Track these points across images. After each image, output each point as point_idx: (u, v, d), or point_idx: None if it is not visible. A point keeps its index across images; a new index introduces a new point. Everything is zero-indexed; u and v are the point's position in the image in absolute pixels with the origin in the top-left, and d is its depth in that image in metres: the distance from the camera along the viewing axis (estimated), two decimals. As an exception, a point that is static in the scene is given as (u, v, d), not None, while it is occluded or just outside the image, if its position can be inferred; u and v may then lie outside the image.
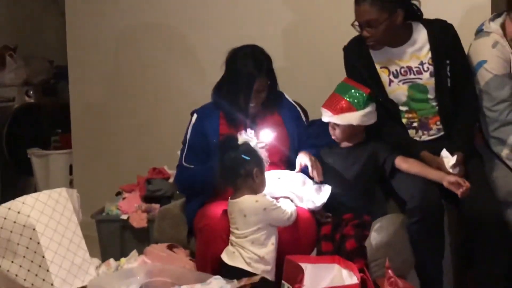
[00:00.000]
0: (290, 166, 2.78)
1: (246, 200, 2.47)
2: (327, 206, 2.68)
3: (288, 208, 2.51)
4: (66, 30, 4.37)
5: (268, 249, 2.46)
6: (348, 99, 2.70)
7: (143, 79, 4.11)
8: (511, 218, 2.68)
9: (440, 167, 2.63)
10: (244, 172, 2.49)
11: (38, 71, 5.30)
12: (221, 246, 2.51)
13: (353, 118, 2.70)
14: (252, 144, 2.51)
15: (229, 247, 2.50)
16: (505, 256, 2.60)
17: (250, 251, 2.44)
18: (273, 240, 2.48)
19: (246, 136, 2.53)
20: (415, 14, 2.81)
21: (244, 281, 2.29)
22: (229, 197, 2.55)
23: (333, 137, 2.79)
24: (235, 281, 2.28)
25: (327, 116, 2.74)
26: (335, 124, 2.74)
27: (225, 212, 2.56)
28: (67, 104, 4.51)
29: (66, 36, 4.37)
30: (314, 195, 2.66)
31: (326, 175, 2.73)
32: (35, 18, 5.49)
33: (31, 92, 5.20)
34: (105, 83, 4.27)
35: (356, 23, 2.72)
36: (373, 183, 2.77)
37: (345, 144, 2.81)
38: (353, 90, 2.72)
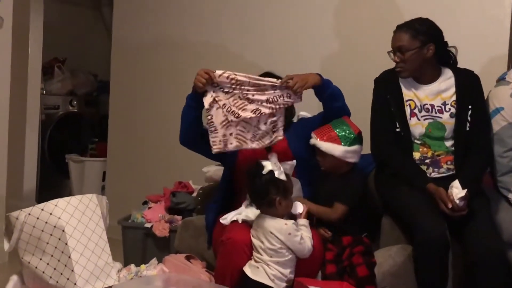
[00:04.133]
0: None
1: (277, 219, 2.45)
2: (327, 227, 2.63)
3: (309, 242, 2.46)
4: (111, 47, 4.41)
5: (292, 270, 2.44)
6: (337, 133, 2.68)
7: (178, 98, 4.10)
8: (514, 259, 2.61)
9: (443, 199, 2.57)
10: (267, 201, 2.46)
11: (83, 83, 5.38)
12: (243, 260, 2.46)
13: (337, 150, 2.66)
14: (277, 172, 2.46)
15: (252, 262, 2.46)
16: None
17: (276, 269, 2.41)
18: (295, 262, 2.45)
19: (272, 164, 2.48)
20: (448, 60, 2.82)
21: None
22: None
23: (320, 166, 2.74)
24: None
25: (313, 139, 2.70)
26: (319, 150, 2.69)
27: (246, 226, 2.52)
28: (106, 115, 4.56)
29: (111, 53, 4.42)
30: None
31: (322, 197, 2.69)
32: (83, 34, 5.57)
33: (75, 102, 5.28)
34: (143, 100, 4.30)
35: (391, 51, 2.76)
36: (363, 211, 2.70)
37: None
38: (344, 127, 2.70)
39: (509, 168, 2.69)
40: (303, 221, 2.51)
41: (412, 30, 2.70)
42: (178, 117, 4.07)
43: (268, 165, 2.46)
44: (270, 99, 2.57)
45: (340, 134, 2.67)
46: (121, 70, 4.39)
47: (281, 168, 2.47)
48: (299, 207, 2.52)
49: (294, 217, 2.53)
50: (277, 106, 2.58)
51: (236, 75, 2.57)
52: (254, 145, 2.62)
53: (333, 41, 3.57)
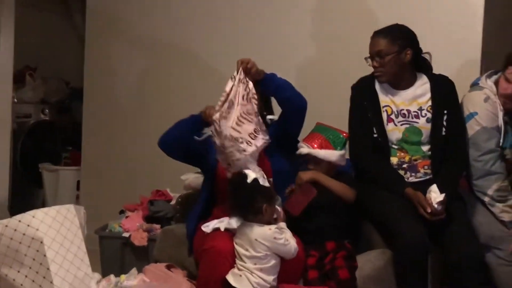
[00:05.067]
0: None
1: (260, 226, 2.45)
2: (310, 232, 2.63)
3: (293, 242, 2.47)
4: (84, 54, 4.38)
5: (275, 277, 2.44)
6: (328, 138, 2.72)
7: (153, 106, 4.10)
8: (490, 261, 2.66)
9: (422, 203, 2.61)
10: (254, 210, 2.46)
11: (55, 91, 5.32)
12: (226, 268, 2.45)
13: (333, 155, 2.70)
14: (261, 180, 2.46)
15: (235, 270, 2.45)
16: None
17: (259, 277, 2.41)
18: (278, 269, 2.45)
19: (254, 172, 2.48)
20: (424, 66, 2.87)
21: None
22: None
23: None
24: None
25: (306, 148, 2.71)
26: (314, 158, 2.70)
27: (228, 234, 2.52)
28: (79, 123, 4.51)
29: (84, 60, 4.38)
30: None
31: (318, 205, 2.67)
32: (55, 41, 5.50)
33: (47, 110, 5.21)
34: (117, 107, 4.26)
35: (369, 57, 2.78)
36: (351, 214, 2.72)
37: None
38: (331, 131, 2.74)
39: (484, 172, 2.74)
40: (283, 224, 2.52)
41: (390, 35, 2.74)
42: (155, 124, 4.07)
43: (251, 174, 2.46)
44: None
45: (331, 139, 2.69)
46: (94, 76, 4.34)
47: (264, 175, 2.47)
48: (275, 212, 2.53)
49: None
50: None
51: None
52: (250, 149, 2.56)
53: (309, 47, 3.59)
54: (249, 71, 2.56)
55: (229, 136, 2.52)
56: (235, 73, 2.57)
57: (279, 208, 2.55)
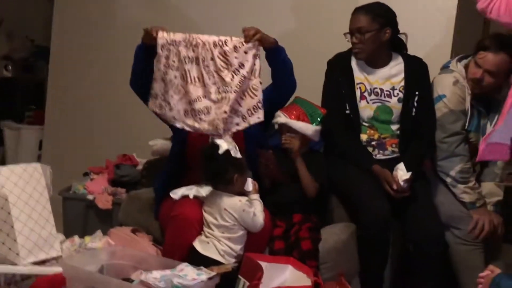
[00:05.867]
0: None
1: (231, 196, 2.46)
2: (279, 206, 2.65)
3: (261, 216, 2.48)
4: (53, 12, 4.25)
5: (242, 246, 2.46)
6: (306, 112, 2.73)
7: (120, 67, 4.00)
8: (449, 239, 2.74)
9: (388, 180, 2.67)
10: (225, 180, 2.47)
11: (19, 48, 5.17)
12: (193, 235, 2.46)
13: (309, 129, 2.71)
14: (233, 151, 2.46)
15: (203, 237, 2.47)
16: (440, 271, 2.65)
17: (226, 245, 2.42)
18: (245, 239, 2.47)
19: (226, 143, 2.47)
20: (400, 46, 2.90)
21: (216, 269, 2.24)
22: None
23: (285, 145, 2.73)
24: (203, 268, 2.23)
25: (283, 118, 2.72)
26: (290, 129, 2.71)
27: (197, 201, 2.52)
28: (42, 82, 4.40)
29: (53, 18, 4.26)
30: None
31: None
32: (21, -4, 5.34)
33: (10, 66, 5.07)
34: (84, 68, 4.16)
35: (348, 33, 2.79)
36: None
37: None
38: (311, 106, 2.75)
39: (449, 153, 2.80)
40: (255, 196, 2.53)
41: (372, 12, 2.76)
42: (122, 86, 3.92)
43: (223, 145, 2.45)
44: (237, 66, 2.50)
45: (309, 113, 2.70)
46: (62, 36, 4.22)
47: (236, 146, 2.47)
48: (250, 185, 2.54)
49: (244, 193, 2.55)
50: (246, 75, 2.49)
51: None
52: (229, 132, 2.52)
53: (289, 19, 3.55)
54: (252, 38, 2.49)
55: (231, 109, 2.48)
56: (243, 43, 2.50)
57: (252, 182, 2.55)
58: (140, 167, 3.36)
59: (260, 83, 2.52)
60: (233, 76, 2.49)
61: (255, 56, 2.50)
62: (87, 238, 2.72)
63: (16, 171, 2.55)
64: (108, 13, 4.08)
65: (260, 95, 2.50)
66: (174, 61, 2.53)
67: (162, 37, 2.51)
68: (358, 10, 2.79)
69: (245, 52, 2.49)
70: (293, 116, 2.72)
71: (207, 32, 2.62)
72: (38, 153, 4.59)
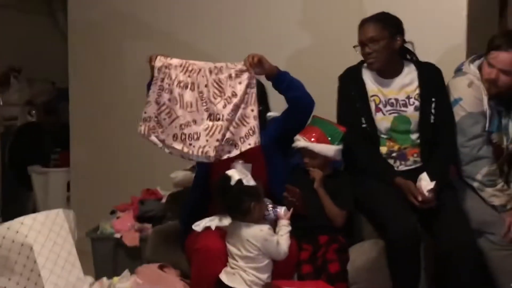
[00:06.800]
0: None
1: (252, 226, 2.43)
2: (305, 229, 2.60)
3: (285, 244, 2.44)
4: (68, 53, 4.32)
5: (269, 274, 2.42)
6: (326, 133, 2.68)
7: (142, 104, 4.03)
8: (483, 246, 2.65)
9: (412, 191, 2.60)
10: (242, 210, 2.43)
11: (41, 92, 5.29)
12: (219, 267, 2.43)
13: (330, 150, 2.67)
14: (245, 180, 2.43)
15: (229, 269, 2.43)
16: (475, 278, 2.56)
17: (253, 275, 2.39)
18: (271, 267, 2.44)
19: (239, 172, 2.44)
20: (409, 54, 2.86)
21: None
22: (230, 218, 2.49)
23: (308, 167, 2.70)
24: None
25: (303, 142, 2.68)
26: (311, 152, 2.67)
27: (220, 232, 2.49)
28: (67, 123, 4.46)
29: (68, 59, 4.33)
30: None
31: (305, 197, 2.65)
32: (38, 41, 5.43)
33: (33, 111, 5.16)
34: (104, 106, 4.21)
35: (358, 45, 2.76)
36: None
37: None
38: (329, 125, 2.71)
39: (472, 157, 2.73)
40: (285, 222, 2.49)
41: (381, 21, 2.73)
42: (139, 120, 4.01)
43: (234, 175, 2.43)
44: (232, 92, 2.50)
45: (328, 134, 2.66)
46: (79, 75, 4.29)
47: (248, 174, 2.44)
48: (280, 210, 2.50)
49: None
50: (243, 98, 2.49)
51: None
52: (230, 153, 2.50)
53: (299, 37, 3.55)
54: (253, 64, 2.50)
55: (224, 137, 2.48)
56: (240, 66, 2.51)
57: (283, 208, 2.51)
58: (164, 200, 3.36)
59: (252, 110, 2.50)
60: (225, 105, 2.49)
61: (248, 85, 2.49)
62: (115, 279, 2.70)
63: (38, 219, 2.57)
64: (122, 49, 4.12)
65: (252, 122, 2.49)
66: (168, 84, 2.55)
67: (159, 60, 2.56)
68: (367, 21, 2.76)
69: (239, 82, 2.49)
70: (313, 139, 2.67)
71: (217, 59, 2.63)
72: (67, 195, 4.63)
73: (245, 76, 2.50)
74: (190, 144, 2.50)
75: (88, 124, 4.27)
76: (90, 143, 4.26)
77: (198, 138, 2.50)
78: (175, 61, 2.56)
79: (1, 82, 4.88)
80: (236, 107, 2.48)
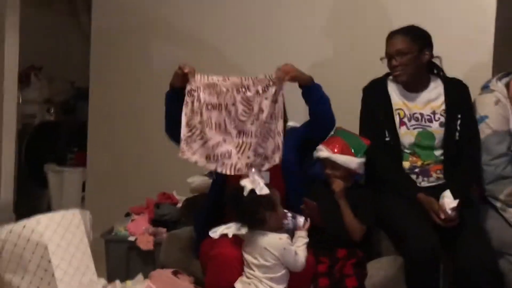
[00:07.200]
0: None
1: (270, 234, 2.39)
2: (322, 242, 2.56)
3: (303, 255, 2.40)
4: (90, 53, 4.32)
5: (284, 286, 2.38)
6: (349, 144, 2.65)
7: (158, 105, 4.02)
8: (503, 267, 2.60)
9: (434, 209, 2.55)
10: (258, 220, 2.40)
11: (60, 90, 5.27)
12: (234, 276, 2.40)
13: (353, 162, 2.64)
14: (258, 188, 2.38)
15: (244, 278, 2.39)
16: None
17: (268, 286, 2.35)
18: (287, 278, 2.40)
19: (252, 182, 2.40)
20: (437, 69, 2.83)
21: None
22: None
23: (329, 178, 2.67)
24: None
25: (326, 152, 2.65)
26: (333, 163, 2.64)
27: (237, 240, 2.45)
28: (84, 123, 4.45)
29: (90, 59, 4.32)
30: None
31: (323, 209, 2.61)
32: (60, 41, 5.45)
33: (52, 110, 5.16)
34: (123, 107, 4.20)
35: (385, 57, 2.74)
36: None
37: None
38: (354, 137, 2.68)
39: (495, 176, 2.69)
40: (302, 233, 2.46)
41: (410, 34, 2.70)
42: (161, 124, 3.99)
43: (247, 185, 2.39)
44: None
45: (352, 145, 2.63)
46: (100, 75, 4.27)
47: (261, 183, 2.39)
48: (300, 220, 2.47)
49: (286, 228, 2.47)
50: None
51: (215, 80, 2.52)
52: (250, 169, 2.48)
53: (323, 47, 3.52)
54: (284, 78, 2.51)
55: (256, 153, 2.49)
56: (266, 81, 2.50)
57: (303, 219, 2.48)
58: (180, 205, 3.33)
59: (278, 126, 2.51)
60: (253, 122, 2.51)
61: (275, 101, 2.50)
62: (129, 283, 2.69)
63: (54, 219, 2.54)
64: (145, 51, 4.11)
65: (277, 138, 2.51)
66: (199, 108, 2.54)
67: (190, 82, 2.54)
68: (395, 33, 2.73)
69: (266, 98, 2.49)
70: (336, 150, 2.63)
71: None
72: (82, 195, 4.62)
73: (272, 90, 2.50)
74: (223, 164, 2.52)
75: (106, 125, 4.26)
76: (107, 144, 4.24)
77: (229, 156, 2.51)
78: (204, 82, 2.54)
79: (21, 80, 4.87)
80: (264, 123, 2.49)
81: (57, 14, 5.46)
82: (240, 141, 2.52)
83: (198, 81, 2.54)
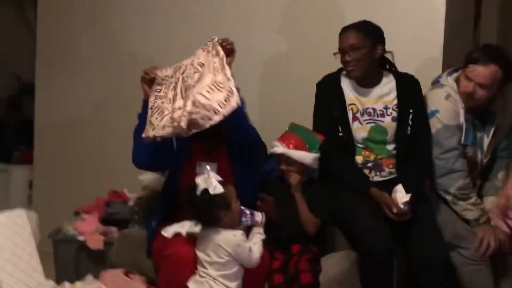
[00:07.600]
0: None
1: (224, 231, 2.36)
2: (277, 239, 2.55)
3: (257, 252, 2.38)
4: (36, 48, 4.19)
5: (238, 283, 2.36)
6: (304, 140, 2.65)
7: (109, 102, 3.95)
8: (455, 260, 2.63)
9: (387, 203, 2.56)
10: (212, 220, 2.37)
11: (4, 85, 5.12)
12: (188, 275, 2.36)
13: (308, 158, 2.64)
14: (211, 188, 2.35)
15: (197, 277, 2.36)
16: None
17: (222, 284, 2.32)
18: (241, 274, 2.37)
19: (205, 181, 2.36)
20: (388, 64, 2.85)
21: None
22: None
23: (283, 173, 2.67)
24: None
25: (281, 148, 2.65)
26: (288, 159, 2.64)
27: (190, 239, 2.41)
28: (31, 120, 4.33)
29: (36, 54, 4.20)
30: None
31: (279, 206, 2.61)
32: (4, 34, 5.27)
33: (-4, 106, 5.00)
34: (71, 103, 4.09)
35: (338, 53, 2.73)
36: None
37: None
38: (309, 133, 2.68)
39: (446, 170, 2.72)
40: (260, 230, 2.44)
41: (362, 30, 2.70)
42: (111, 121, 3.92)
43: (200, 184, 2.36)
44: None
45: (306, 141, 2.63)
46: (47, 70, 4.16)
47: (214, 182, 2.36)
48: (258, 216, 2.44)
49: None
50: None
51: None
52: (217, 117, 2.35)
53: (277, 43, 3.49)
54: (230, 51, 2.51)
55: (196, 102, 2.35)
56: (209, 43, 2.52)
57: (261, 214, 2.45)
58: (131, 203, 3.26)
59: (225, 74, 2.43)
60: (198, 78, 2.45)
61: (215, 56, 2.48)
62: (78, 284, 2.62)
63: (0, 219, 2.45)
64: (93, 46, 4.01)
65: (228, 86, 2.38)
66: (164, 92, 2.53)
67: (158, 76, 2.58)
68: (348, 28, 2.73)
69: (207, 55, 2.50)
70: (291, 146, 2.64)
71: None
72: (28, 193, 4.49)
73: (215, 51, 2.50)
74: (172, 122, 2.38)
75: (54, 121, 4.14)
76: (55, 141, 4.12)
77: (170, 113, 2.41)
78: (169, 71, 2.56)
79: (-36, 74, 4.71)
80: (204, 75, 2.43)
81: (2, 8, 5.28)
82: (183, 98, 2.42)
83: (165, 71, 2.57)
